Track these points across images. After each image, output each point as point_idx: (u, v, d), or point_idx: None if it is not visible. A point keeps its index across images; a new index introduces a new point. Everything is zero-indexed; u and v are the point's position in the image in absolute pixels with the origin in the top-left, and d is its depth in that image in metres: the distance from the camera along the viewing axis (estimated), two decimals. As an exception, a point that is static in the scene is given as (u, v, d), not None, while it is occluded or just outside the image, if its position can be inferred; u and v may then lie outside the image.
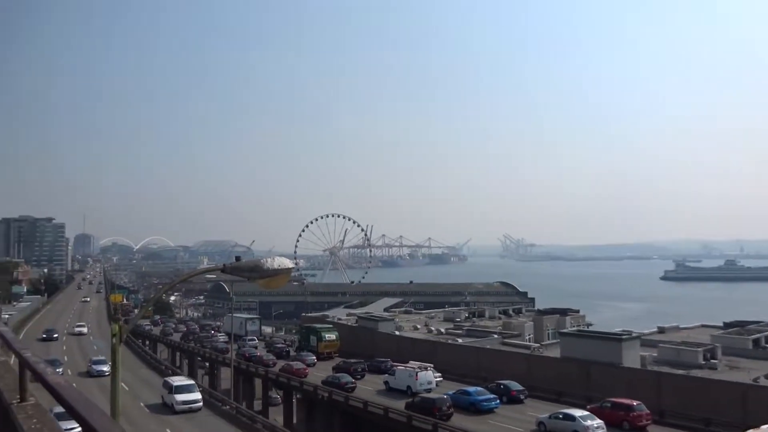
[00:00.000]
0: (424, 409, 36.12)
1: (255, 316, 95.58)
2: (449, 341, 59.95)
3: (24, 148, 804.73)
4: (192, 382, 43.97)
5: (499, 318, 78.50)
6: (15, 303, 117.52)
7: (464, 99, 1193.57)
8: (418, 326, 72.77)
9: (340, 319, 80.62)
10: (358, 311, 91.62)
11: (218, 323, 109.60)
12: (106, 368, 49.88)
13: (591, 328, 62.87)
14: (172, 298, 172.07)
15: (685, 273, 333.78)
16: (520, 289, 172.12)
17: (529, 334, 63.94)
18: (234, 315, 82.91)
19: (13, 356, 5.78)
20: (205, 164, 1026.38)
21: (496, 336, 61.46)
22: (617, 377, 40.73)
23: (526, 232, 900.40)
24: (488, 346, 55.79)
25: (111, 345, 7.90)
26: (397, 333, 66.19)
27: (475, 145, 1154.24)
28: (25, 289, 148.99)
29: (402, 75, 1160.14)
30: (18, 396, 4.34)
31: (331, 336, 64.31)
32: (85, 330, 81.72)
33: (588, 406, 35.07)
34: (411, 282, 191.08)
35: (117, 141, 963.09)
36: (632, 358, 43.35)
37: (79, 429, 2.44)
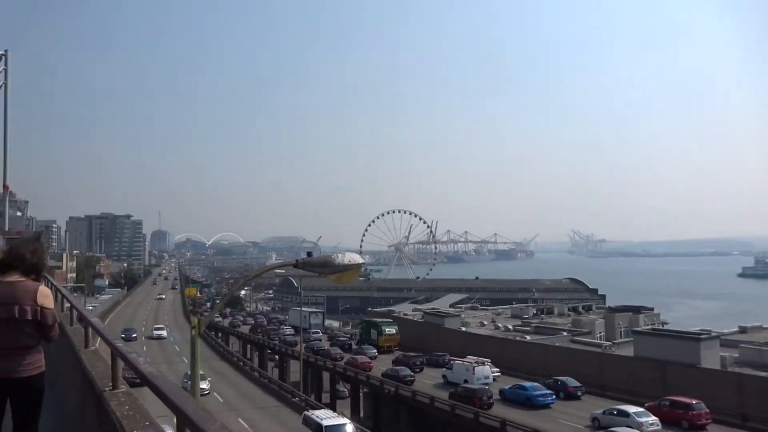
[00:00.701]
0: (465, 399, 38.19)
1: (318, 310, 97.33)
2: (517, 338, 59.16)
3: (105, 149, 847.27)
4: (345, 421, 33.82)
5: (568, 315, 76.71)
6: (97, 295, 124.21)
7: (533, 94, 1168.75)
8: (485, 323, 72.10)
9: (405, 314, 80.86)
10: (423, 307, 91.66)
11: (284, 317, 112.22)
12: (164, 333, 48.59)
13: (666, 327, 60.41)
14: (243, 292, 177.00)
15: (764, 270, 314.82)
16: (590, 286, 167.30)
17: (600, 332, 62.21)
18: (298, 309, 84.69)
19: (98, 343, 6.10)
20: (273, 162, 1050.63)
21: (565, 334, 60.14)
22: (695, 379, 38.91)
23: (596, 227, 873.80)
24: (557, 344, 54.64)
25: (190, 337, 8.25)
26: (463, 329, 65.79)
27: (543, 139, 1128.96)
28: (106, 283, 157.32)
29: (465, 72, 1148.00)
30: (110, 384, 4.57)
31: (391, 330, 65.89)
32: (164, 333, 75.95)
33: (646, 404, 34.58)
34: (477, 278, 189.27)
35: (190, 141, 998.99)
36: (712, 358, 41.38)
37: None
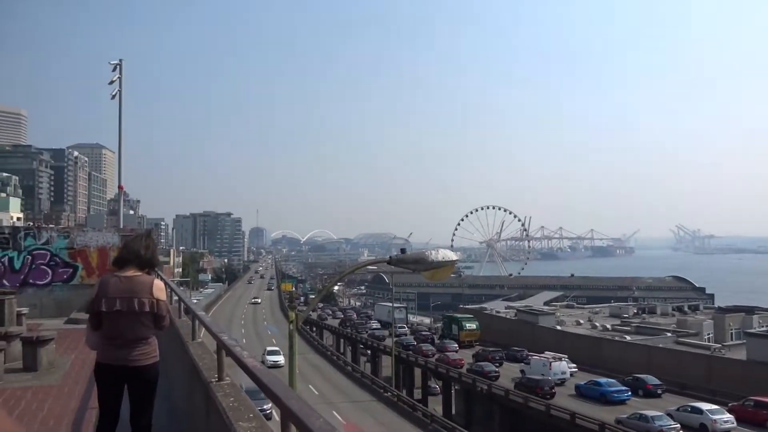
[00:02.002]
0: (528, 388, 40.28)
1: (401, 305, 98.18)
2: (616, 338, 56.76)
3: (209, 151, 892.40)
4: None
5: (673, 315, 72.71)
6: (201, 289, 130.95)
7: (628, 86, 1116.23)
8: (581, 321, 69.67)
9: (498, 311, 79.61)
10: (516, 304, 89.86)
11: (370, 312, 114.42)
12: (281, 359, 49.24)
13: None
14: (336, 287, 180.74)
15: None
16: (697, 285, 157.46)
17: (708, 334, 58.56)
18: (383, 304, 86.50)
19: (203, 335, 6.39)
20: (364, 160, 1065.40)
21: (669, 334, 57.01)
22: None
23: (703, 222, 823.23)
24: (660, 345, 51.95)
25: (288, 330, 8.51)
26: (558, 327, 63.94)
27: (641, 131, 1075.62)
28: (209, 277, 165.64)
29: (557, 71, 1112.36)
30: (216, 375, 4.78)
31: (471, 325, 67.73)
32: (281, 360, 72.46)
33: (729, 404, 34.14)
34: (572, 275, 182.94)
35: (286, 143, 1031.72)
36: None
37: (269, 408, 2.64)
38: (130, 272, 4.60)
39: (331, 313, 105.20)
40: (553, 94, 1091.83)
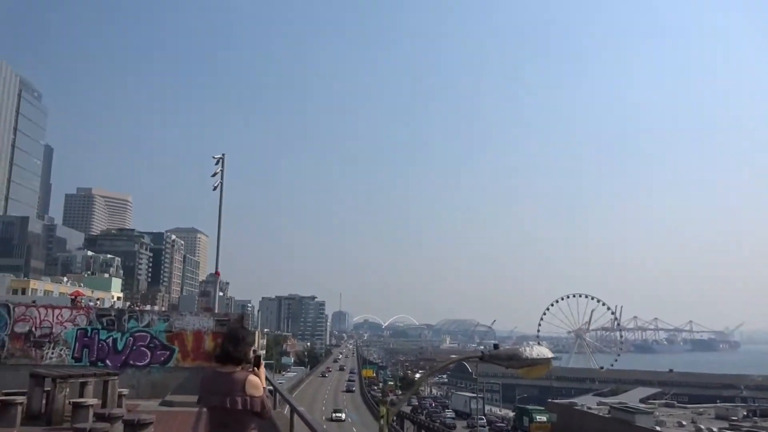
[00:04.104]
0: None
1: (479, 395, 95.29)
2: (725, 444, 51.80)
3: (295, 234, 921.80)
4: None
5: (790, 420, 65.82)
6: (284, 372, 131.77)
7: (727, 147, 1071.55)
8: (684, 423, 64.18)
9: (589, 407, 74.89)
10: (609, 400, 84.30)
11: (447, 400, 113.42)
12: (342, 415, 50.96)
13: None
14: (417, 375, 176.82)
15: None
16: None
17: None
18: (461, 393, 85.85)
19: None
20: (446, 245, 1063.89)
21: (786, 442, 51.48)
22: None
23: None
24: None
25: (379, 427, 8.40)
26: (658, 429, 59.14)
27: (748, 214, 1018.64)
28: (292, 360, 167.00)
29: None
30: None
31: (542, 418, 68.86)
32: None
33: None
34: (671, 370, 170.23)
35: (370, 230, 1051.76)
36: None
37: None
38: (227, 368, 4.81)
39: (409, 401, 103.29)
40: (643, 182, 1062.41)
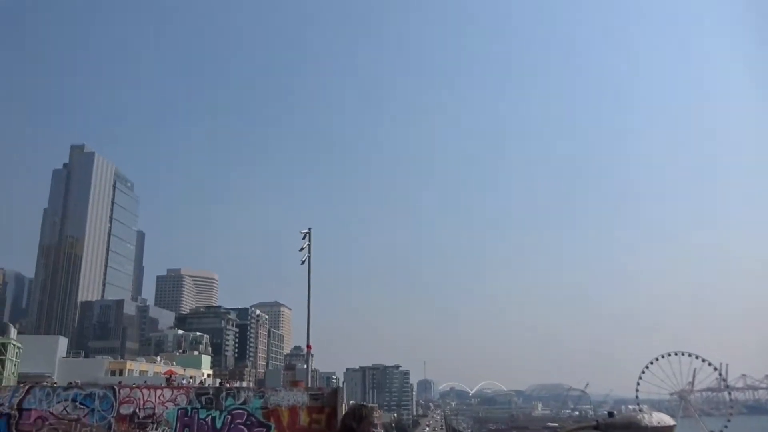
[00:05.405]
0: None
1: None
2: None
3: (375, 307, 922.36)
4: None
5: None
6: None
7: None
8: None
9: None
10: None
11: None
12: None
13: None
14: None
15: None
16: None
17: None
18: None
19: None
20: (533, 308, 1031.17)
21: None
22: None
23: None
24: None
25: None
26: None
27: None
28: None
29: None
30: None
31: None
32: None
33: None
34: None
35: (452, 295, 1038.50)
36: None
37: None
38: None
39: None
40: (734, 223, 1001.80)
